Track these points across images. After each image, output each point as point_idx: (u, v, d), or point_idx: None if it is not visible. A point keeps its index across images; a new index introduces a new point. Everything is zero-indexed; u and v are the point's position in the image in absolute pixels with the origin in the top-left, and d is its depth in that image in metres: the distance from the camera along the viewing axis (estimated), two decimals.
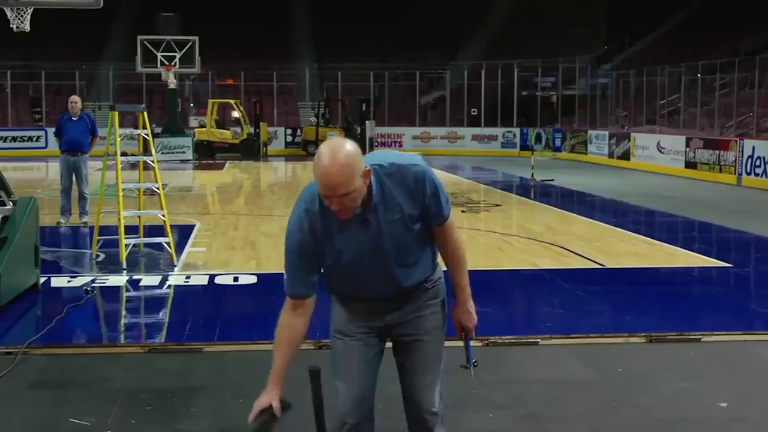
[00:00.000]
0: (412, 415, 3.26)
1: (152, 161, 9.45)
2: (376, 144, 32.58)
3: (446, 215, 3.17)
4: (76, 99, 12.69)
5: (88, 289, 7.85)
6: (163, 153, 27.23)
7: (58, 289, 8.13)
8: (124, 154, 9.55)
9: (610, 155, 28.10)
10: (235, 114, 32.29)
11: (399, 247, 3.09)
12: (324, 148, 2.91)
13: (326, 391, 3.14)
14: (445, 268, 3.34)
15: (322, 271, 3.18)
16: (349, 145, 2.92)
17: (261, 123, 32.98)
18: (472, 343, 3.32)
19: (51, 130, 32.93)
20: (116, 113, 9.67)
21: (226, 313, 7.48)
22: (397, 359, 3.26)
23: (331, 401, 3.22)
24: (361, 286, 3.17)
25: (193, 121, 34.09)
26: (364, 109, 32.91)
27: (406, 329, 3.21)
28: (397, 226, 3.06)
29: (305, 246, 3.06)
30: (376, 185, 3.02)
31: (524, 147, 33.28)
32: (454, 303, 3.31)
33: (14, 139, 33.25)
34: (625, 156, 26.92)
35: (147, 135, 9.38)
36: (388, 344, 3.33)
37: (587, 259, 9.77)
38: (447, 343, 3.36)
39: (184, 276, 8.76)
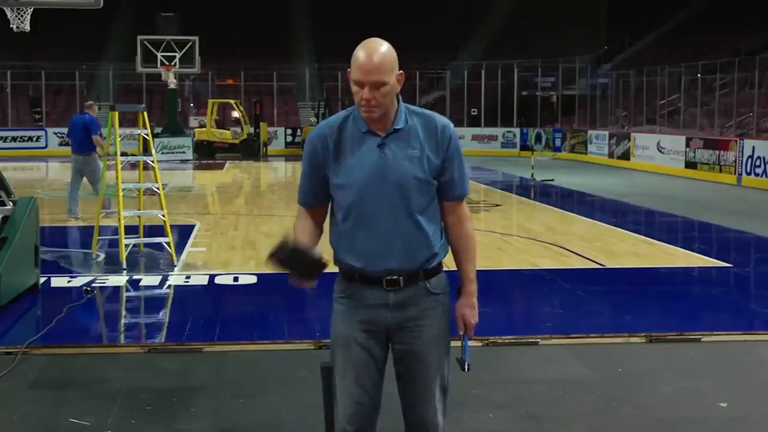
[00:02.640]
0: (410, 425, 3.17)
1: (152, 161, 9.45)
2: None
3: (466, 190, 3.15)
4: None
5: (88, 289, 7.85)
6: (163, 153, 27.25)
7: (58, 289, 8.13)
8: (124, 154, 9.55)
9: (610, 155, 28.11)
10: (235, 114, 32.30)
11: (409, 191, 3.01)
12: (365, 41, 3.02)
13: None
14: (451, 268, 3.23)
15: (330, 214, 3.14)
16: (388, 44, 3.03)
17: (261, 123, 33.00)
18: (470, 343, 3.22)
19: (52, 130, 32.69)
20: (116, 113, 9.67)
21: (226, 313, 7.48)
22: (395, 368, 3.16)
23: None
24: (365, 236, 3.02)
25: (193, 121, 34.12)
26: None
27: (405, 337, 3.10)
28: (413, 164, 3.02)
29: (316, 155, 3.07)
30: (403, 114, 3.07)
31: (524, 147, 33.29)
32: (458, 297, 3.20)
33: (14, 139, 33.28)
34: (625, 156, 26.92)
35: (147, 135, 9.38)
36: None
37: (587, 259, 9.77)
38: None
39: (184, 276, 8.76)
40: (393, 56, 3.01)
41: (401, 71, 3.04)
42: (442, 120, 3.11)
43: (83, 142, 12.67)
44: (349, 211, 3.06)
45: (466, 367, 3.14)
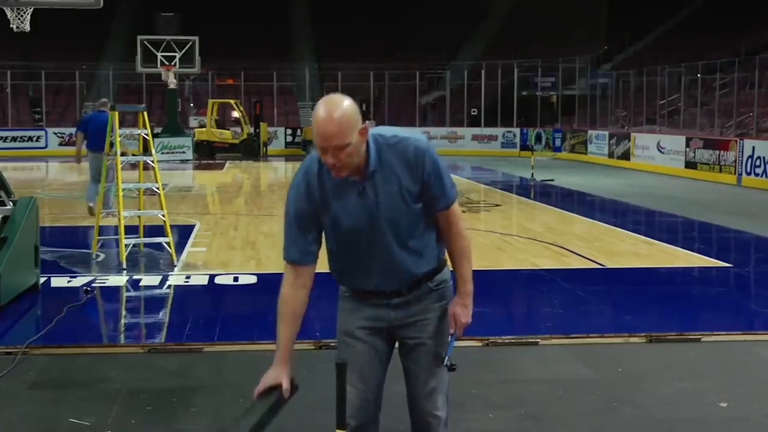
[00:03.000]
0: (416, 418, 3.24)
1: (152, 161, 9.45)
2: None
3: (452, 198, 3.11)
4: None
5: (88, 289, 7.85)
6: (163, 153, 27.25)
7: (58, 289, 8.12)
8: (123, 154, 9.56)
9: (610, 155, 28.11)
10: (235, 114, 32.31)
11: (397, 224, 3.03)
12: (322, 100, 2.91)
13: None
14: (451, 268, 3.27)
15: (327, 249, 3.16)
16: (348, 101, 2.92)
17: (261, 123, 33.02)
18: (457, 343, 3.23)
19: (52, 130, 32.57)
20: (116, 113, 9.67)
21: (226, 313, 7.47)
22: (402, 361, 3.23)
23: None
24: (363, 269, 3.10)
25: (193, 121, 34.12)
26: (364, 109, 32.83)
27: (410, 332, 3.17)
28: (394, 200, 3.01)
29: (301, 208, 3.05)
30: (375, 153, 2.99)
31: (524, 147, 33.29)
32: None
33: (14, 139, 33.27)
34: (625, 156, 26.92)
35: (147, 135, 9.38)
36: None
37: (587, 259, 9.77)
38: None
39: (184, 276, 8.75)
40: (352, 113, 2.89)
41: (364, 124, 2.94)
42: (413, 142, 3.03)
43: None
44: (344, 255, 3.13)
45: (446, 363, 3.14)
